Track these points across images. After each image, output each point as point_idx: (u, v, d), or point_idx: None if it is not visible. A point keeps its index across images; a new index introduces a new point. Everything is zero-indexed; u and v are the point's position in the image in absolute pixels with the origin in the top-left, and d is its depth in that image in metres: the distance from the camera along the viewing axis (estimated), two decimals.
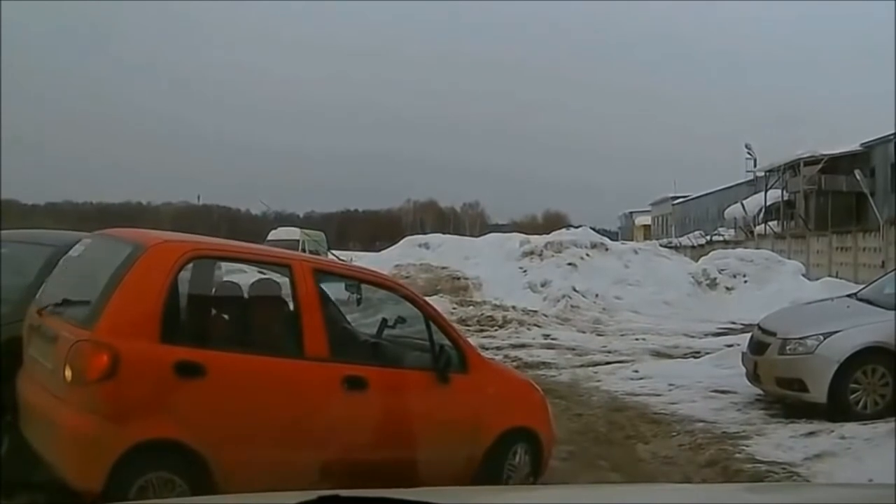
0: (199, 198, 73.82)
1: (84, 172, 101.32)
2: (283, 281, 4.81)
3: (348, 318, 5.34)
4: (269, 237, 28.75)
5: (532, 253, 20.12)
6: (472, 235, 30.96)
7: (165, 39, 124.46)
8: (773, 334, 8.36)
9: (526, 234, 23.66)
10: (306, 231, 33.55)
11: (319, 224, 50.99)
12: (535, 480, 5.46)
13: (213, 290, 5.02)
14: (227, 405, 4.21)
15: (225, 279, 5.28)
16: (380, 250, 27.67)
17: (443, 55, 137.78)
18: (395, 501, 1.78)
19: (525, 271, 19.44)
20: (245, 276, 5.50)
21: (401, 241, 24.94)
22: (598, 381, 9.97)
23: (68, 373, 4.04)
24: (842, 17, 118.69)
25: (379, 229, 68.92)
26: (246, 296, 5.00)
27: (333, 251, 26.16)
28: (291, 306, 4.63)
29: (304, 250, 20.13)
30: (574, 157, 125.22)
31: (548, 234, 22.01)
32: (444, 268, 19.85)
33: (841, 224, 31.53)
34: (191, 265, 4.52)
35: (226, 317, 4.88)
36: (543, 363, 11.26)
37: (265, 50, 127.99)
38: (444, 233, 29.52)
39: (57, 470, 4.16)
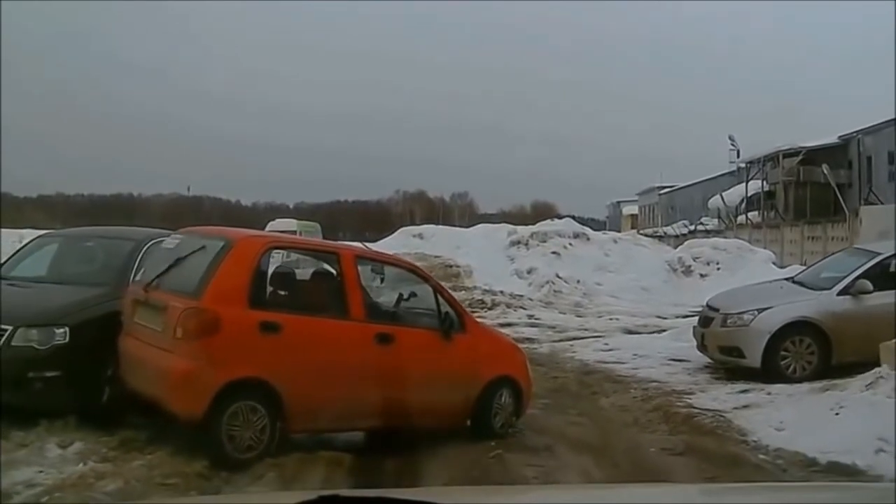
0: (189, 189, 74.89)
1: (75, 165, 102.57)
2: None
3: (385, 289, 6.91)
4: (267, 228, 29.72)
5: (519, 242, 21.23)
6: (461, 225, 31.73)
7: (155, 34, 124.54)
8: (717, 310, 9.83)
9: (514, 223, 24.61)
10: (302, 222, 34.82)
11: (309, 214, 51.74)
12: (518, 418, 7.03)
13: (282, 271, 6.54)
14: (296, 353, 5.78)
15: (281, 264, 6.82)
16: (370, 240, 28.60)
17: (433, 52, 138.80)
18: (395, 501, 1.80)
19: (512, 259, 20.57)
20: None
21: (396, 232, 25.99)
22: (574, 352, 11.42)
23: (179, 331, 5.53)
24: (841, 17, 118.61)
25: (368, 219, 69.21)
26: (308, 275, 6.60)
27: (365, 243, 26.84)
28: (340, 283, 6.21)
29: None
30: (562, 149, 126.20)
31: (534, 224, 23.30)
32: (437, 256, 20.96)
33: (819, 214, 32.08)
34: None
35: (295, 290, 6.41)
36: (527, 339, 12.50)
37: (253, 46, 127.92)
38: (433, 223, 30.47)
39: (165, 405, 5.58)
